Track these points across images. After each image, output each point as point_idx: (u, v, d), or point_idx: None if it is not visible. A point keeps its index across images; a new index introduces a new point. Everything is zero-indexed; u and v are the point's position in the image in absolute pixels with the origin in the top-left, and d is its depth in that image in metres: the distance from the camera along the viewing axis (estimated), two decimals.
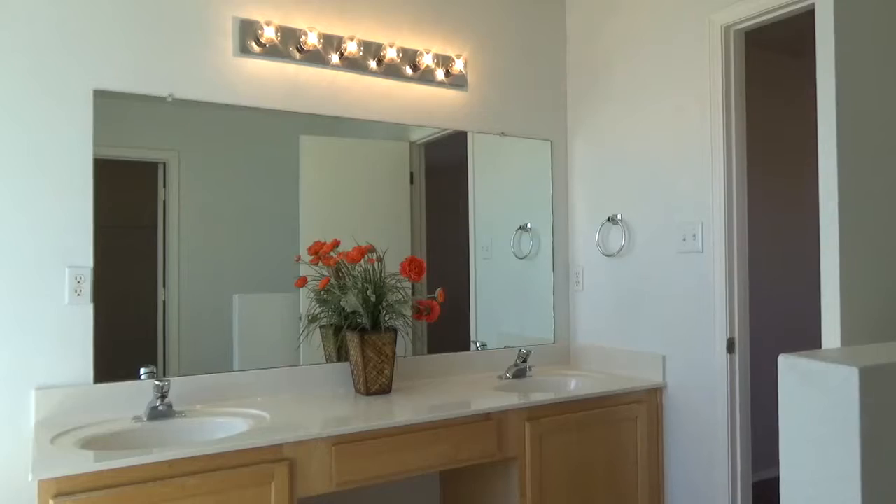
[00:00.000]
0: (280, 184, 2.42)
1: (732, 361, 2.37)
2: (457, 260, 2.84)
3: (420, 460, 2.03)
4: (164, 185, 2.20)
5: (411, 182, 2.72)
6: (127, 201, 2.14)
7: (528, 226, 3.03)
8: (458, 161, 2.85)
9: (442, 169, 2.80)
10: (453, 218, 2.84)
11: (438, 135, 2.76)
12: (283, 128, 2.42)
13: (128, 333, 2.14)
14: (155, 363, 2.17)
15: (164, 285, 2.19)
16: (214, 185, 2.29)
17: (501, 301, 2.94)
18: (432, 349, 2.72)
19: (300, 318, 2.45)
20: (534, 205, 3.04)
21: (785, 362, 1.07)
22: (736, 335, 2.37)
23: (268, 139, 2.39)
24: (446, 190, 2.82)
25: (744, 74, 2.41)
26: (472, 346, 2.84)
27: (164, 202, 2.20)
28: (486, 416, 2.16)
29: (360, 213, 2.58)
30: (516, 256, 3.00)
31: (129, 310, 2.15)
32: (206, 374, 2.23)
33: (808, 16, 2.31)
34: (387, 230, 2.62)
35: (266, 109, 2.37)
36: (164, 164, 2.20)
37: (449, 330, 2.76)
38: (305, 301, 2.46)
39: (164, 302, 2.19)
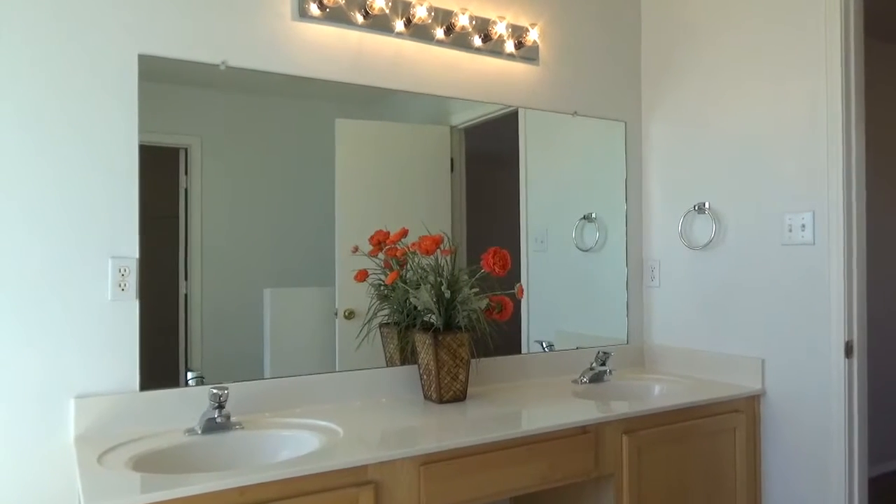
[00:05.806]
0: (313, 170, 2.14)
1: (850, 366, 2.10)
2: None
3: (514, 480, 1.77)
4: (186, 173, 1.97)
5: (452, 169, 2.45)
6: (145, 189, 1.90)
7: (593, 215, 2.75)
8: (503, 147, 2.56)
9: (484, 155, 2.51)
10: (498, 207, 2.56)
11: (481, 119, 2.48)
12: (315, 110, 2.15)
13: (147, 331, 1.88)
14: (176, 365, 1.91)
15: (186, 278, 1.95)
16: (241, 172, 2.04)
17: (560, 297, 2.66)
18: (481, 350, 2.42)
19: (335, 315, 2.19)
20: (599, 192, 2.76)
21: None
22: (854, 337, 2.10)
23: (299, 122, 2.12)
24: (490, 178, 2.54)
25: (863, 40, 2.14)
26: (537, 347, 2.57)
27: (186, 190, 1.97)
28: (582, 429, 1.90)
29: (399, 201, 2.31)
30: (579, 248, 2.72)
31: (150, 306, 1.89)
32: (259, 379, 1.98)
33: None
34: (426, 220, 2.34)
35: (325, 81, 2.10)
36: (186, 150, 1.97)
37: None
38: (342, 296, 2.19)
39: (186, 295, 1.95)
